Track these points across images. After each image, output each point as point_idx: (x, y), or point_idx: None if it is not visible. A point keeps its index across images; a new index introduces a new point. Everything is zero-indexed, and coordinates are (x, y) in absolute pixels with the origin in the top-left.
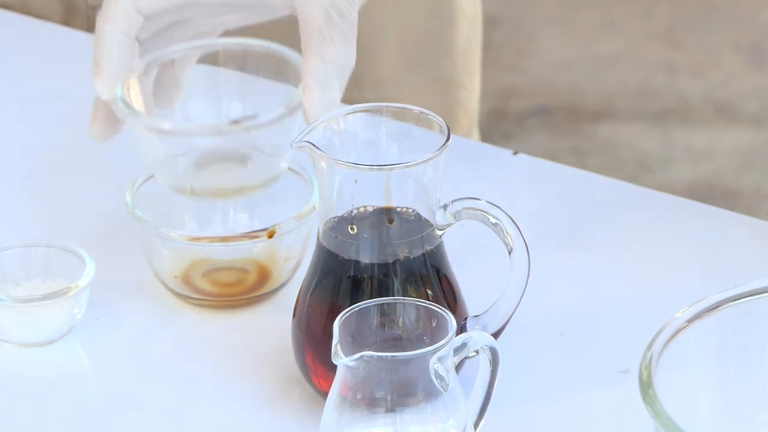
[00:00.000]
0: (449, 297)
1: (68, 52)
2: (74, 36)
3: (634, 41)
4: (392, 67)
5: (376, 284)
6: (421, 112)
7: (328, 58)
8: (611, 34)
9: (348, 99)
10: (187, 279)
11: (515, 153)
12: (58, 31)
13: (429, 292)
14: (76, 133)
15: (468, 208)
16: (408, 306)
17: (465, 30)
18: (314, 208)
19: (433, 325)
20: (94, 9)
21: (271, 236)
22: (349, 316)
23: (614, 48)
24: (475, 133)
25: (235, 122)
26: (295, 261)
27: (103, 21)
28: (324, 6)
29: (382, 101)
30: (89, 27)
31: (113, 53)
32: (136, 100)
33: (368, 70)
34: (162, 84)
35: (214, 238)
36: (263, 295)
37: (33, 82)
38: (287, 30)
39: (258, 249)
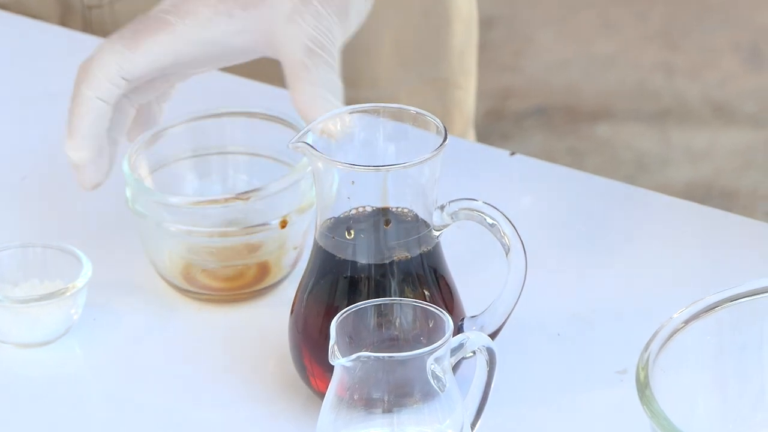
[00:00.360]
0: (446, 297)
1: (65, 52)
2: (71, 36)
3: (631, 42)
4: (388, 67)
5: (373, 285)
6: (417, 113)
7: (315, 80)
8: (608, 34)
9: (344, 99)
10: (187, 273)
11: (512, 153)
12: (54, 31)
13: (426, 292)
14: None
15: (465, 209)
16: (405, 306)
17: (460, 31)
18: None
19: (430, 325)
20: (91, 9)
21: (284, 226)
22: (346, 316)
23: (611, 48)
24: (471, 134)
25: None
26: (297, 252)
27: (84, 85)
28: (304, 42)
29: (379, 101)
30: (86, 27)
31: (89, 119)
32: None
33: (364, 70)
34: (139, 120)
35: (215, 200)
36: (263, 289)
37: (30, 82)
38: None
39: (269, 237)
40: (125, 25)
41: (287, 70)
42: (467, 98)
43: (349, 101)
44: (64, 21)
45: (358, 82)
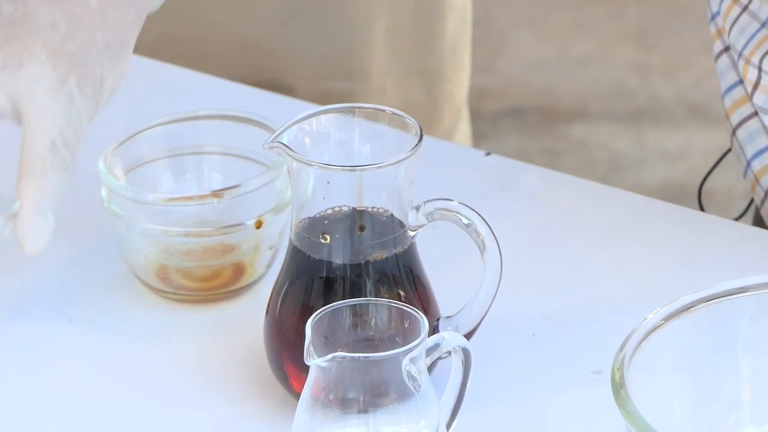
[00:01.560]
0: (422, 298)
1: None
2: None
3: (606, 42)
4: (379, 58)
5: (349, 285)
6: (393, 113)
7: (48, 189)
8: (583, 35)
9: (336, 91)
10: (162, 273)
11: (488, 154)
12: None
13: (401, 293)
14: None
15: (440, 209)
16: (380, 307)
17: (453, 24)
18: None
19: (406, 326)
20: None
21: (259, 226)
22: (321, 316)
23: (586, 49)
24: (463, 128)
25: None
26: (273, 253)
27: None
28: (51, 135)
29: (368, 93)
30: None
31: None
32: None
33: (356, 61)
34: None
35: (189, 197)
36: (239, 289)
37: None
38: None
39: (244, 237)
40: (152, 42)
41: (24, 156)
42: (458, 92)
43: (340, 93)
44: None
45: (350, 74)
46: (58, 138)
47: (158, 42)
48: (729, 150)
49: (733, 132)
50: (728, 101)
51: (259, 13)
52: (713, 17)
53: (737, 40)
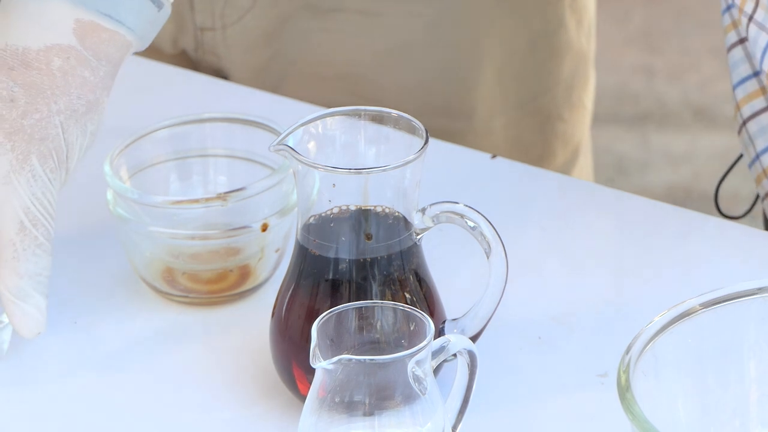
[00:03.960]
0: (428, 300)
1: None
2: None
3: (611, 45)
4: (486, 97)
5: (354, 288)
6: (399, 116)
7: (23, 273)
8: None
9: (438, 127)
10: (168, 276)
11: (493, 157)
12: None
13: (407, 295)
14: None
15: (446, 212)
16: (386, 309)
17: (570, 63)
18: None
19: (412, 328)
20: (203, 31)
21: (265, 229)
22: (327, 319)
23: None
24: (582, 166)
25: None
26: (279, 255)
27: None
28: (18, 216)
29: (473, 132)
30: (197, 48)
31: None
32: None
33: (460, 100)
34: None
35: (195, 200)
36: (245, 292)
37: None
38: None
39: (250, 240)
40: (236, 50)
41: None
42: (572, 131)
43: (442, 131)
44: (176, 41)
45: (453, 113)
46: (25, 219)
47: (263, 69)
48: (741, 155)
49: (743, 124)
50: (740, 93)
51: (369, 42)
52: (728, 8)
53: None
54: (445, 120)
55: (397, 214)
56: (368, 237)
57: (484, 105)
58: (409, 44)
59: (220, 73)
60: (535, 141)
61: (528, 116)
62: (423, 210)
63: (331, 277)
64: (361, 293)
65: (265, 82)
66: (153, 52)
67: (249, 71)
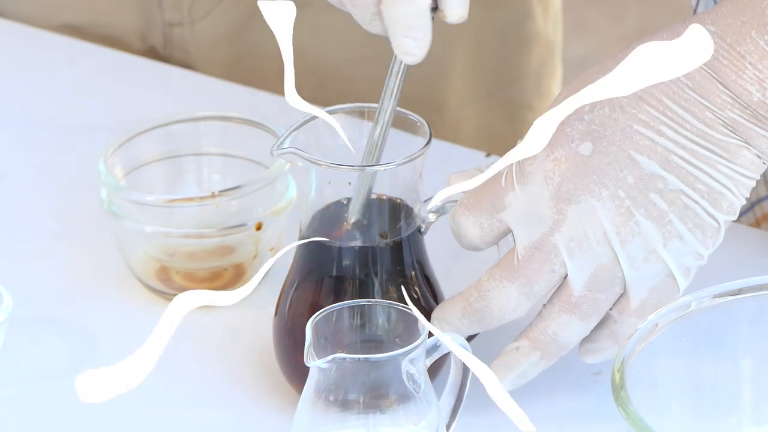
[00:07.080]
0: (431, 297)
1: (42, 50)
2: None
3: (605, 43)
4: (457, 88)
5: (357, 284)
6: (400, 112)
7: None
8: (582, 36)
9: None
10: (163, 275)
11: (488, 155)
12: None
13: (410, 292)
14: (47, 134)
15: (449, 202)
16: (381, 308)
17: (540, 53)
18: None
19: (406, 327)
20: (172, 27)
21: (259, 228)
22: (321, 318)
23: (585, 50)
24: None
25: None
26: (273, 254)
27: None
28: None
29: (444, 124)
30: (165, 44)
31: None
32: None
33: (431, 93)
34: None
35: (190, 198)
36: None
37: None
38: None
39: (244, 238)
40: (205, 45)
41: None
42: None
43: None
44: (144, 38)
45: (424, 105)
46: None
47: (232, 63)
48: None
49: None
50: None
51: (338, 36)
52: None
53: None
54: (416, 112)
55: (401, 208)
56: (372, 233)
57: (455, 96)
58: (379, 37)
59: (190, 69)
60: (505, 131)
61: (498, 106)
62: (425, 202)
63: (334, 273)
64: (364, 289)
65: (235, 77)
66: (121, 48)
67: (218, 66)
